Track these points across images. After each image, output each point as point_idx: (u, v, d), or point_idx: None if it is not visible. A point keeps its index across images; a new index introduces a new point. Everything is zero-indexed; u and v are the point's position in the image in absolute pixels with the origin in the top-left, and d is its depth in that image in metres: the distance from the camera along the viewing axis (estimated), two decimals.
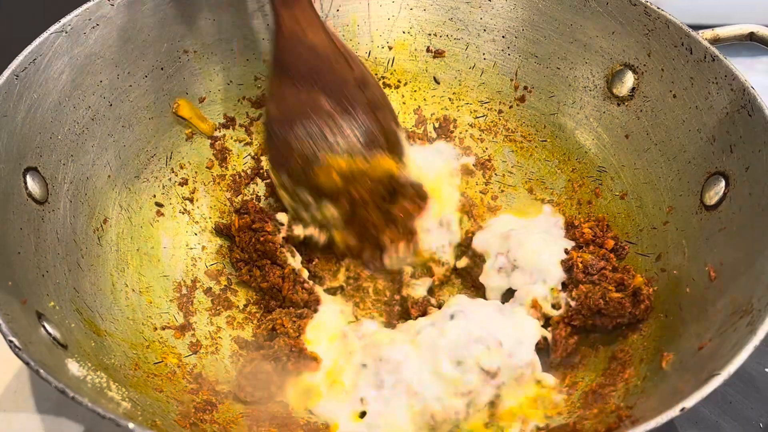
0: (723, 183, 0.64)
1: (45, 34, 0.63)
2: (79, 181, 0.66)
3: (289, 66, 0.68)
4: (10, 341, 0.47)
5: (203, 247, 0.74)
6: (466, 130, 0.80)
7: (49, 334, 0.54)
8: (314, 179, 0.68)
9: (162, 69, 0.72)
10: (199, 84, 0.75)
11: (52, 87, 0.64)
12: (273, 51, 0.69)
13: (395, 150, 0.71)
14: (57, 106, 0.64)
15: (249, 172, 0.77)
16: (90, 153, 0.67)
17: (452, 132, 0.80)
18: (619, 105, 0.73)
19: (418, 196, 0.74)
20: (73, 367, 0.53)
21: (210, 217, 0.75)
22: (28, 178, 0.60)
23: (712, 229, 0.63)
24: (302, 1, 0.68)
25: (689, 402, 0.46)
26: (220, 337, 0.70)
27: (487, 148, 0.80)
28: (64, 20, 0.64)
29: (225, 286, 0.73)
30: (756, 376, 0.67)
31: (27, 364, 0.46)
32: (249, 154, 0.78)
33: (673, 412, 0.45)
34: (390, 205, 0.72)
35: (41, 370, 0.46)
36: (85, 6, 0.65)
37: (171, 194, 0.74)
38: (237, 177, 0.77)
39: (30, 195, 0.60)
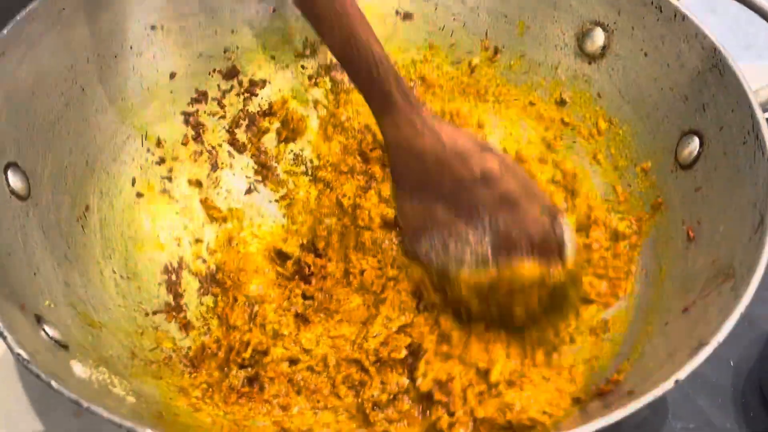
0: (697, 142, 0.65)
1: (11, 24, 0.61)
2: (59, 170, 0.65)
3: (399, 178, 0.65)
4: (18, 354, 0.47)
5: (185, 226, 0.73)
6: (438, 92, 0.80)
7: (50, 336, 0.54)
8: (450, 296, 0.63)
9: (131, 48, 0.70)
10: (169, 60, 0.73)
11: (22, 78, 0.62)
12: (388, 163, 0.67)
13: (546, 249, 0.60)
14: (30, 96, 0.62)
15: (224, 145, 0.77)
16: (67, 141, 0.66)
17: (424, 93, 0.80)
18: (590, 63, 0.74)
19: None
20: (77, 368, 0.53)
21: (189, 195, 0.74)
22: (10, 174, 0.59)
23: (689, 189, 0.65)
24: (399, 106, 0.63)
25: (683, 374, 0.48)
26: (210, 316, 0.70)
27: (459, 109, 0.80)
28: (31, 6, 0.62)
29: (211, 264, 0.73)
30: None
31: (38, 376, 0.47)
32: (224, 128, 0.77)
33: (668, 384, 0.47)
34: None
35: (53, 382, 0.46)
36: None
37: (149, 174, 0.73)
38: (213, 151, 0.76)
39: (13, 192, 0.59)
